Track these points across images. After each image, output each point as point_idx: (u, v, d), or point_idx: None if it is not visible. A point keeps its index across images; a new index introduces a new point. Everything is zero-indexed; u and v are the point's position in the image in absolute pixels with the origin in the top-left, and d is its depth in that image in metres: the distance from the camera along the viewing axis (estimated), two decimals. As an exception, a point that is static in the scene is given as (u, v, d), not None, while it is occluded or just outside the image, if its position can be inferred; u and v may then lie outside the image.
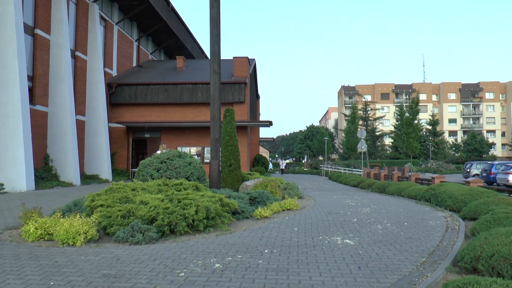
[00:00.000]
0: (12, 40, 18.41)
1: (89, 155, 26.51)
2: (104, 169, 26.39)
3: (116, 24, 31.64)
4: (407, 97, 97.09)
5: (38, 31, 21.81)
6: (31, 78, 21.30)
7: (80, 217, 7.06)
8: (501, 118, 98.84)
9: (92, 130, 26.69)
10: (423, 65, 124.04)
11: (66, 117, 22.36)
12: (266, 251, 6.17)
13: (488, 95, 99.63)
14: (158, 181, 9.42)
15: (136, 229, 6.76)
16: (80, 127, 25.85)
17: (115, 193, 8.10)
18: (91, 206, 7.72)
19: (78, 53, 26.02)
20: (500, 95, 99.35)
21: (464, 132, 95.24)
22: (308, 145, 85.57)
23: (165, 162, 11.13)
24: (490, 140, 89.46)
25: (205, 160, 28.84)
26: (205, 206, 7.60)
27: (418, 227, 8.45)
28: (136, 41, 36.02)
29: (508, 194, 13.04)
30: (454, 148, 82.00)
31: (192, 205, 7.57)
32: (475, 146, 77.57)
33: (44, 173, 21.19)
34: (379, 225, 8.59)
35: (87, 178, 24.97)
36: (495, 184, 27.86)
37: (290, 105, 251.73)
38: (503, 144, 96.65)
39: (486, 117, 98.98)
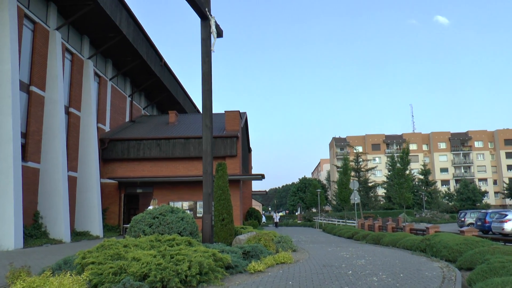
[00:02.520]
0: (7, 98, 18.64)
1: (80, 211, 26.19)
2: (95, 226, 26.00)
3: (110, 80, 32.23)
4: (398, 147, 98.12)
5: (33, 88, 22.15)
6: (24, 135, 21.38)
7: (71, 275, 6.93)
8: (492, 166, 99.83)
9: (84, 186, 26.53)
10: (412, 116, 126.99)
11: (58, 174, 22.27)
12: (260, 307, 6.04)
13: (477, 144, 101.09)
14: (150, 237, 9.32)
15: (127, 286, 6.63)
16: (72, 183, 25.71)
17: (107, 250, 7.98)
18: (82, 264, 7.58)
19: (71, 109, 26.31)
20: (489, 143, 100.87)
21: (457, 181, 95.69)
22: (301, 198, 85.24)
23: (157, 218, 11.05)
24: (483, 189, 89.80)
25: (198, 215, 28.59)
26: (198, 262, 7.51)
27: (414, 278, 8.35)
28: (129, 96, 36.56)
29: (503, 243, 13.02)
30: (447, 197, 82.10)
31: (185, 260, 7.47)
32: (468, 195, 77.75)
33: (34, 230, 20.84)
34: (374, 277, 8.48)
35: (78, 235, 24.55)
36: (490, 232, 27.74)
37: (282, 157, 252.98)
38: (495, 192, 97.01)
39: (477, 166, 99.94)
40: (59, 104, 23.20)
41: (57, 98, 23.16)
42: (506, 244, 12.73)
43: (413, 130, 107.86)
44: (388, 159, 66.79)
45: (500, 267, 7.45)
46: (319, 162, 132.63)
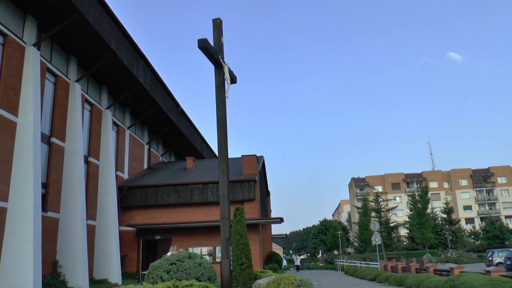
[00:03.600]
0: (29, 150, 19.11)
1: (98, 259, 26.16)
2: (114, 273, 25.86)
3: (128, 128, 32.88)
4: (418, 185, 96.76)
5: (54, 140, 22.71)
6: (44, 185, 21.75)
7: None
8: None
9: (102, 234, 26.61)
10: (431, 153, 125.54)
11: (77, 223, 22.46)
12: None
13: (500, 180, 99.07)
14: (168, 283, 9.28)
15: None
16: (91, 231, 25.83)
17: (124, 297, 7.96)
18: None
19: (91, 159, 26.79)
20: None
21: (482, 219, 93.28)
22: (322, 240, 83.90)
23: (175, 264, 11.01)
24: (510, 226, 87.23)
25: (217, 260, 28.29)
26: (215, 308, 7.43)
27: (438, 321, 8.09)
28: (147, 144, 37.14)
29: (531, 283, 12.55)
30: (473, 236, 79.84)
31: (202, 307, 7.40)
32: (495, 233, 75.44)
33: (52, 279, 20.82)
34: (397, 320, 8.24)
35: (96, 283, 24.42)
36: (520, 272, 26.80)
37: (302, 200, 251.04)
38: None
39: (502, 202, 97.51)
40: (79, 154, 23.68)
41: (77, 148, 23.66)
42: (535, 283, 12.26)
43: (433, 168, 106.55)
44: (409, 198, 65.64)
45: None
46: (339, 203, 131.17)
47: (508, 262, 29.13)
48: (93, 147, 27.21)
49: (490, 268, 14.87)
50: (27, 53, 20.30)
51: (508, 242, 74.56)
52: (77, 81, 24.98)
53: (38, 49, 21.24)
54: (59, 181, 23.06)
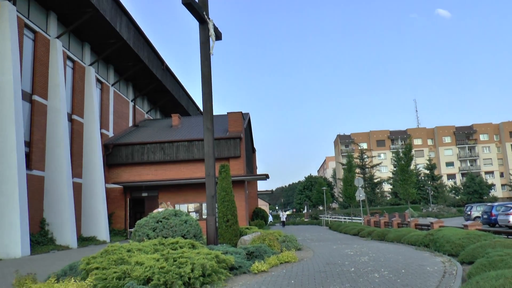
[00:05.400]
0: (10, 108, 18.81)
1: (86, 217, 26.38)
2: (102, 231, 26.18)
3: (112, 85, 32.41)
4: (402, 142, 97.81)
5: (36, 97, 22.32)
6: (28, 144, 21.55)
7: (75, 281, 7.05)
8: (498, 159, 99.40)
9: (89, 192, 26.71)
10: (416, 111, 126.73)
11: (63, 181, 22.46)
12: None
13: (483, 137, 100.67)
14: (154, 240, 9.42)
15: (131, 291, 6.73)
16: (77, 189, 25.89)
17: (111, 255, 8.08)
18: (87, 269, 7.70)
19: (75, 117, 26.50)
20: (494, 136, 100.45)
21: (463, 175, 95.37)
22: (308, 196, 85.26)
23: (161, 222, 11.15)
24: (489, 181, 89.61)
25: (204, 216, 28.71)
26: (200, 264, 7.60)
27: (415, 274, 8.42)
28: (132, 101, 36.75)
29: (506, 236, 13.02)
30: (454, 191, 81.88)
31: (188, 263, 7.56)
32: (475, 188, 77.53)
33: (40, 237, 21.02)
34: (376, 273, 8.54)
35: (84, 240, 24.74)
36: (497, 225, 27.73)
37: (288, 156, 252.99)
38: (502, 185, 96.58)
39: (483, 159, 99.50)
40: (62, 112, 23.37)
41: (60, 106, 23.33)
42: (509, 237, 12.72)
43: (418, 125, 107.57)
44: (393, 155, 66.57)
45: (498, 260, 7.51)
46: (325, 160, 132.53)
47: (485, 216, 30.10)
48: (76, 105, 26.85)
49: (468, 223, 15.32)
50: (2, 9, 19.51)
51: (486, 197, 76.80)
52: (57, 37, 24.33)
53: (14, 4, 20.48)
54: (43, 139, 22.86)
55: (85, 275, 7.69)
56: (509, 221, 26.30)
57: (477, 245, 10.37)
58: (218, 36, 14.45)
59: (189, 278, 7.36)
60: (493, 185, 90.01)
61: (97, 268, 7.48)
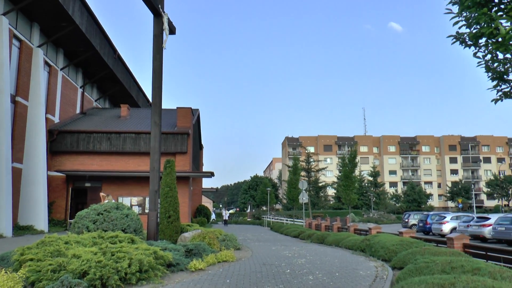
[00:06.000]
0: None
1: (24, 204, 25.38)
2: (40, 220, 25.26)
3: (61, 69, 31.39)
4: (349, 149, 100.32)
5: (-24, 76, 21.30)
6: (-35, 124, 20.54)
7: (6, 272, 6.87)
8: (437, 170, 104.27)
9: (29, 178, 25.73)
10: (364, 119, 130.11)
11: (1, 165, 21.54)
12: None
13: (425, 148, 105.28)
14: (93, 233, 9.32)
15: (65, 284, 6.67)
16: (16, 175, 24.90)
17: (47, 246, 7.94)
18: (20, 260, 7.53)
19: (18, 98, 25.47)
20: (435, 148, 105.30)
21: (404, 183, 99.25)
22: (252, 195, 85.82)
23: (102, 214, 11.02)
24: (428, 191, 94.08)
25: (146, 211, 28.38)
26: (138, 259, 7.62)
27: (348, 277, 8.79)
28: (81, 87, 35.72)
29: (436, 244, 13.77)
30: (394, 199, 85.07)
31: (126, 258, 7.57)
32: (414, 197, 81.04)
33: (-28, 223, 20.10)
34: (311, 275, 8.85)
35: (21, 229, 23.82)
36: (431, 233, 29.13)
37: (235, 155, 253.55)
38: (439, 195, 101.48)
39: (424, 169, 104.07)
40: (5, 92, 22.39)
41: (3, 86, 22.34)
42: (438, 245, 13.46)
43: (365, 133, 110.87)
44: (339, 160, 68.36)
45: (424, 267, 8.01)
46: (272, 161, 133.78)
47: (421, 224, 31.57)
48: (21, 87, 25.81)
49: (403, 230, 16.05)
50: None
51: (424, 206, 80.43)
52: (4, 14, 23.29)
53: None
54: (-18, 120, 21.85)
55: (17, 267, 7.52)
56: (441, 230, 27.74)
57: (408, 252, 10.93)
58: (172, 31, 14.41)
59: (126, 274, 7.38)
60: (431, 194, 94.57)
61: (31, 260, 7.34)
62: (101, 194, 21.79)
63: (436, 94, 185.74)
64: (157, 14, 13.62)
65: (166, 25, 13.65)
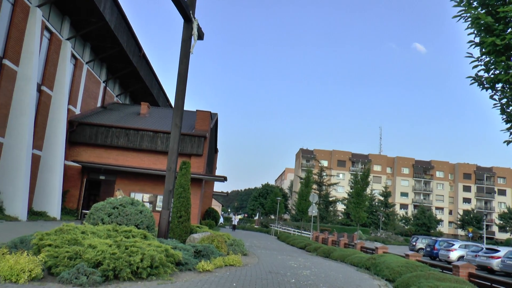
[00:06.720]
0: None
1: (39, 190, 25.93)
2: (54, 207, 25.79)
3: (86, 63, 32.06)
4: (362, 166, 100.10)
5: (6, 62, 21.91)
6: (-9, 107, 21.15)
7: (27, 255, 7.20)
8: (449, 197, 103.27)
9: (47, 166, 26.30)
10: (380, 138, 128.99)
11: (23, 150, 22.10)
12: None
13: (439, 174, 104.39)
14: (108, 226, 9.63)
15: (81, 271, 6.97)
16: (35, 161, 25.48)
17: (65, 234, 8.26)
18: (39, 245, 7.86)
19: (44, 88, 26.11)
20: (449, 175, 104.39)
21: (415, 207, 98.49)
22: (262, 203, 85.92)
23: (117, 208, 11.34)
24: (438, 217, 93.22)
25: (157, 208, 28.72)
26: (150, 255, 7.90)
27: (350, 293, 8.95)
28: (103, 82, 36.39)
29: (441, 270, 13.83)
30: (404, 221, 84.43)
31: (138, 253, 7.85)
32: (424, 221, 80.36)
33: (-11, 204, 20.61)
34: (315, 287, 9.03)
35: (34, 214, 24.35)
36: (437, 259, 28.98)
37: (248, 162, 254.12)
38: (449, 222, 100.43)
39: (436, 194, 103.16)
40: (32, 81, 23.03)
41: (31, 75, 22.97)
42: (443, 271, 13.51)
43: (380, 152, 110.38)
44: (352, 176, 68.20)
45: (427, 291, 8.13)
46: (284, 171, 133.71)
47: (428, 249, 31.42)
48: (47, 77, 26.46)
49: (410, 253, 16.10)
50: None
51: (433, 231, 79.67)
52: (38, 6, 23.99)
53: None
54: (8, 105, 22.45)
55: (36, 251, 7.85)
56: (448, 257, 27.58)
57: (413, 274, 11.03)
58: (201, 36, 14.77)
59: (137, 268, 7.66)
60: (441, 220, 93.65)
61: (49, 245, 7.66)
62: (117, 190, 22.10)
63: (454, 120, 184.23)
64: (188, 20, 13.99)
65: (195, 31, 14.02)
